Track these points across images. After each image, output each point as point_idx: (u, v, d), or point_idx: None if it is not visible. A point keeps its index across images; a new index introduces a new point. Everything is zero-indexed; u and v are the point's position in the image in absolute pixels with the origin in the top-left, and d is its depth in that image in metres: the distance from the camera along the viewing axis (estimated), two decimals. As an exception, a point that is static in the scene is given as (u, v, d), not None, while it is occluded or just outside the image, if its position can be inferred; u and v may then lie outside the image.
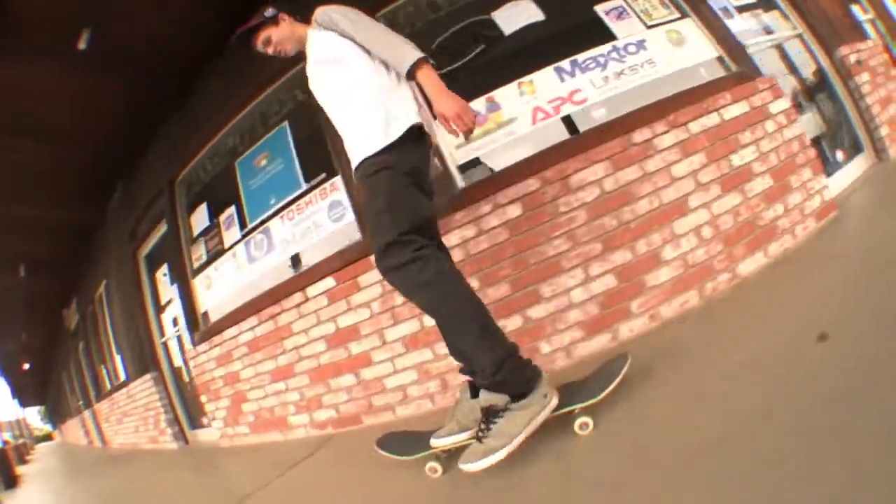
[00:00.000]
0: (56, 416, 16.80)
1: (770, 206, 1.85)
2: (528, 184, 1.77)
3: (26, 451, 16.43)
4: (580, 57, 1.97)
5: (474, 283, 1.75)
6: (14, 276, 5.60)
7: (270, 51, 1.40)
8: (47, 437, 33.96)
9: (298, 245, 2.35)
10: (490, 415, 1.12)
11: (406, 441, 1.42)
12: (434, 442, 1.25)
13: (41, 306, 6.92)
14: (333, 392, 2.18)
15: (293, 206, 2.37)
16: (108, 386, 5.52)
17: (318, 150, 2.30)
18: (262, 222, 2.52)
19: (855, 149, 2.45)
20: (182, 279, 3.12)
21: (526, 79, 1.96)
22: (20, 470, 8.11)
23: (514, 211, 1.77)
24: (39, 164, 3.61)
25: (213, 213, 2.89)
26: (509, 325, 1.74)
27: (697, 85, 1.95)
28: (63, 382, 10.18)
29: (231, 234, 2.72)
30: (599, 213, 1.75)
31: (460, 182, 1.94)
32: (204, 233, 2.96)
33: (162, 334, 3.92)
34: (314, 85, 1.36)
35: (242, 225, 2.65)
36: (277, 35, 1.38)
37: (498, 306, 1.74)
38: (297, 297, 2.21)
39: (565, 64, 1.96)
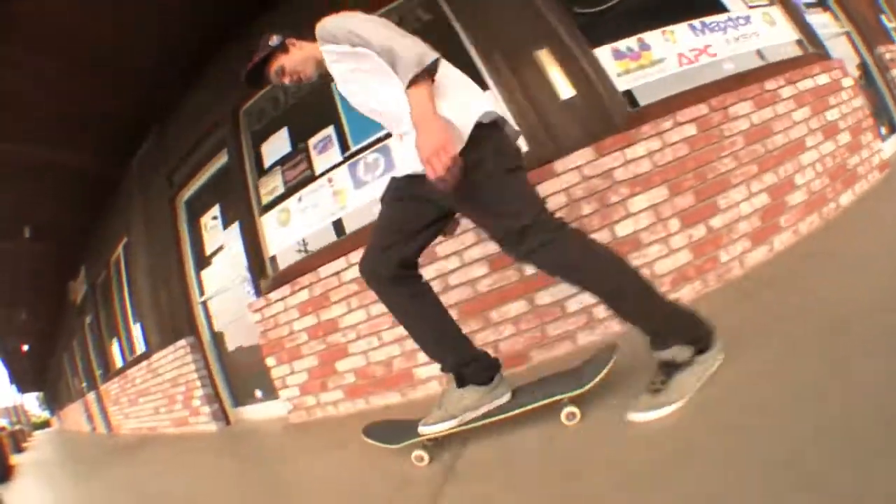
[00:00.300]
0: (55, 402, 16.01)
1: (851, 155, 2.29)
2: (699, 108, 1.95)
3: (23, 437, 15.56)
4: (706, 20, 2.29)
5: (663, 191, 1.85)
6: (17, 240, 4.86)
7: (287, 80, 1.30)
8: (45, 424, 32.66)
9: None
10: (670, 368, 1.07)
11: (392, 429, 1.43)
12: (422, 429, 1.24)
13: (45, 277, 6.19)
14: (494, 326, 1.89)
15: None
16: (121, 363, 4.89)
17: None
18: (373, 143, 2.32)
19: (892, 127, 3.02)
20: (246, 218, 2.69)
21: (668, 28, 2.21)
22: (15, 459, 7.11)
23: (690, 130, 1.92)
24: (63, 92, 2.98)
25: (297, 139, 2.57)
26: (695, 233, 1.85)
27: (800, 55, 2.39)
28: (64, 365, 9.44)
29: (325, 158, 2.45)
30: (751, 140, 2.00)
31: (627, 106, 2.06)
32: (281, 161, 2.62)
33: (201, 293, 3.32)
34: (356, 102, 1.25)
35: (344, 148, 2.41)
36: (290, 63, 1.29)
37: (686, 215, 1.85)
38: None
39: (696, 23, 2.26)
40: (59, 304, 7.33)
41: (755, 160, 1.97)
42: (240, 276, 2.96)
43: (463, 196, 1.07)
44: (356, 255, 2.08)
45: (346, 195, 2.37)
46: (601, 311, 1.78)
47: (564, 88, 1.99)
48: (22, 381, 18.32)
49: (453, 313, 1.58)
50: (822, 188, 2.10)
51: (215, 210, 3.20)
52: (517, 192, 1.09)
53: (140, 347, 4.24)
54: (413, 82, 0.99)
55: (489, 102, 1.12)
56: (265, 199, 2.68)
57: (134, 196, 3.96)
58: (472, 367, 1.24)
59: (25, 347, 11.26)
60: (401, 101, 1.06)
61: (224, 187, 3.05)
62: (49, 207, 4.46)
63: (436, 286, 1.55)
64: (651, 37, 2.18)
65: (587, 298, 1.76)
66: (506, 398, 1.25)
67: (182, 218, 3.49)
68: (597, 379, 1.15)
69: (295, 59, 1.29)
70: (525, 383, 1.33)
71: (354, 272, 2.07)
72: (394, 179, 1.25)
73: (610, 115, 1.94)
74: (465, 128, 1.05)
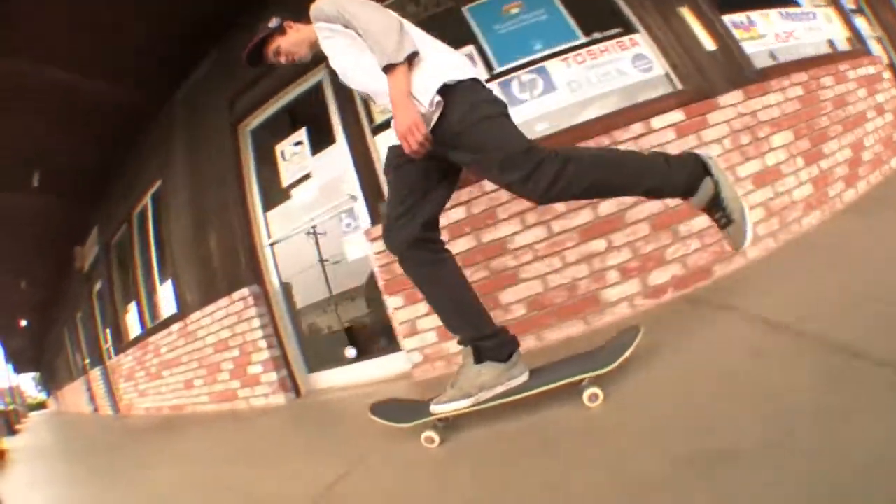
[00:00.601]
0: (52, 382, 15.24)
1: (894, 131, 2.73)
2: (802, 75, 2.36)
3: (17, 419, 14.47)
4: (789, 10, 2.76)
5: (790, 135, 2.19)
6: (24, 190, 4.23)
7: (283, 60, 1.39)
8: (41, 406, 31.90)
9: (594, 88, 2.19)
10: (715, 203, 1.15)
11: (402, 408, 1.38)
12: (434, 408, 1.21)
13: (51, 240, 5.60)
14: (681, 240, 1.90)
15: (578, 52, 2.24)
16: (138, 331, 4.29)
17: (597, 4, 2.38)
18: (526, 65, 2.26)
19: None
20: (356, 137, 2.39)
21: (763, 11, 2.62)
22: (6, 443, 6.02)
23: (799, 91, 2.31)
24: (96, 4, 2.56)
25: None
26: (813, 171, 2.17)
27: (852, 49, 2.88)
28: (64, 340, 8.72)
29: None
30: (837, 105, 2.42)
31: (757, 63, 2.37)
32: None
33: (269, 234, 2.85)
34: (346, 77, 1.30)
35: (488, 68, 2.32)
36: (286, 44, 1.36)
37: (806, 156, 2.19)
38: (638, 127, 1.97)
39: (783, 11, 2.71)
40: (63, 273, 6.67)
41: (840, 121, 2.39)
42: (337, 207, 2.56)
43: (457, 149, 1.14)
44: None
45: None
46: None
47: (707, 42, 2.29)
48: (18, 360, 17.63)
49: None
50: (881, 151, 2.56)
51: (299, 135, 2.76)
52: (507, 135, 1.12)
53: (167, 310, 3.70)
54: (390, 68, 1.09)
55: (460, 65, 1.18)
56: (378, 119, 2.43)
57: (176, 131, 3.47)
58: (490, 342, 1.21)
59: (24, 323, 10.51)
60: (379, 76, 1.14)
61: (309, 111, 2.75)
62: (64, 148, 3.82)
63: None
64: (754, 15, 2.60)
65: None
66: (524, 377, 1.21)
67: (247, 147, 2.99)
68: (621, 359, 1.12)
69: (290, 40, 1.36)
70: (544, 364, 1.28)
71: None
72: (392, 148, 1.27)
73: (743, 69, 2.28)
74: (429, 91, 1.11)
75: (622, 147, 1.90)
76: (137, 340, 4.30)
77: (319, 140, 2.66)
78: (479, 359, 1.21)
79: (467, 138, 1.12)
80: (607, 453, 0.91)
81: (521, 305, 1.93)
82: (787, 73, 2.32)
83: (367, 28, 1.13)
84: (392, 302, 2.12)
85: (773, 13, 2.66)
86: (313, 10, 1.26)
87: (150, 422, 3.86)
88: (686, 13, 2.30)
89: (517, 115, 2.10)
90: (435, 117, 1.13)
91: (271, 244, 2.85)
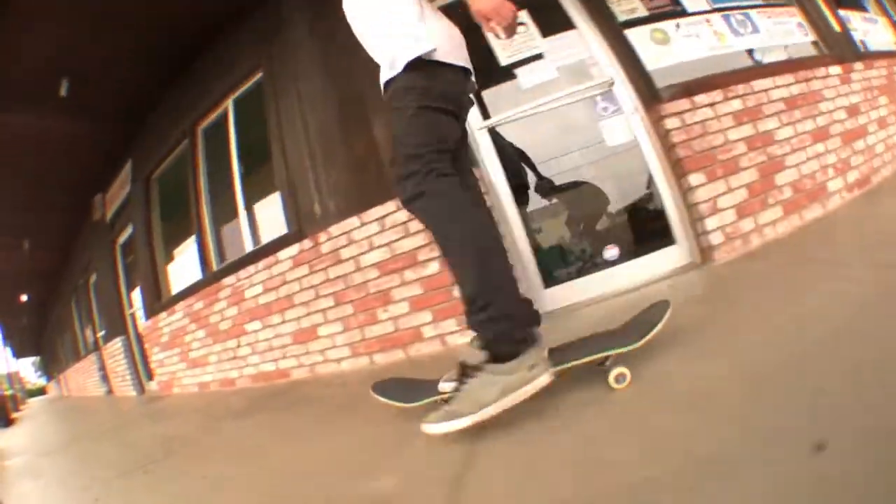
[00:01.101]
0: (54, 365, 14.03)
1: None
2: (883, 62, 3.02)
3: (15, 405, 13.41)
4: (864, 15, 3.36)
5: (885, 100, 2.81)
6: (48, 103, 3.24)
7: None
8: (41, 392, 29.90)
9: (777, 39, 2.66)
10: (463, 375, 1.01)
11: (407, 387, 1.32)
12: (443, 386, 1.13)
13: (65, 182, 4.60)
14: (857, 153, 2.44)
15: (767, 9, 2.71)
16: (198, 277, 3.42)
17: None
18: (736, 9, 2.63)
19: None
20: (607, 26, 2.35)
21: (850, 13, 3.17)
22: None
23: (884, 72, 3.00)
24: None
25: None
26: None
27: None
28: (71, 314, 8.03)
29: (696, 3, 2.55)
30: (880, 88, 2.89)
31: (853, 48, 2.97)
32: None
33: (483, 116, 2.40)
34: (350, 18, 1.25)
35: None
36: None
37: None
38: (831, 70, 2.60)
39: (865, 15, 3.37)
40: (74, 231, 5.93)
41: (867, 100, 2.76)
42: (586, 91, 2.32)
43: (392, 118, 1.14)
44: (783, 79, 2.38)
45: (726, 38, 2.52)
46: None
47: (834, 25, 2.88)
48: (18, 342, 16.37)
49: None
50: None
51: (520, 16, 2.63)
52: (420, 130, 1.07)
53: (257, 240, 3.05)
54: None
55: (446, 44, 1.13)
56: (622, 17, 2.38)
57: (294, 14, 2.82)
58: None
59: (24, 297, 9.45)
60: (377, 35, 1.16)
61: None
62: (103, 45, 2.97)
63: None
64: (846, 14, 3.12)
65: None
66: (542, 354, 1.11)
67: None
68: (649, 336, 1.05)
69: None
70: (564, 342, 1.19)
71: (781, 92, 2.35)
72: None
73: (845, 50, 2.82)
74: (401, 59, 1.08)
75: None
76: (194, 291, 3.40)
77: (549, 24, 2.46)
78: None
79: (394, 117, 1.12)
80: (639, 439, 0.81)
81: (788, 188, 2.23)
82: (879, 58, 3.01)
83: None
84: (694, 179, 2.06)
85: (856, 15, 3.26)
86: None
87: (208, 399, 2.91)
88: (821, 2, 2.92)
89: (742, 44, 2.55)
90: (389, 75, 1.12)
91: (487, 128, 2.36)
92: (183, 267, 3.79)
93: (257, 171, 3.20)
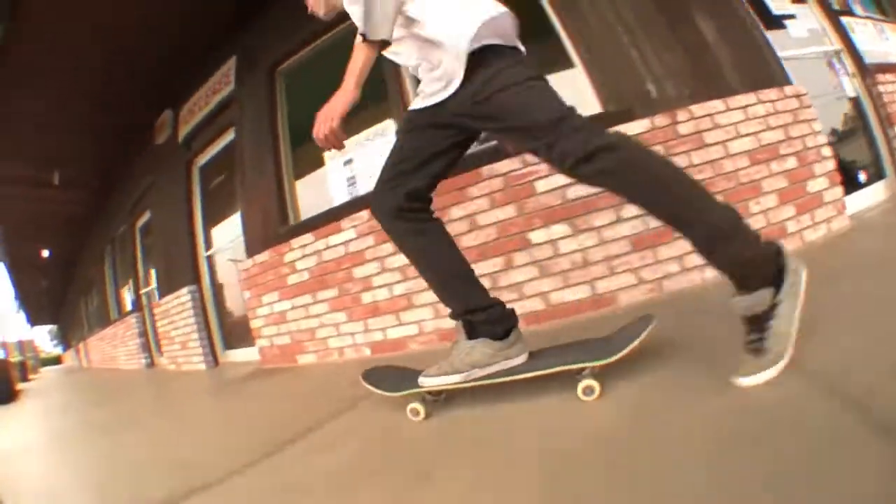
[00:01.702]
0: (73, 332, 12.51)
1: None
2: None
3: (24, 374, 12.24)
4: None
5: None
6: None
7: (310, 10, 1.35)
8: (56, 361, 27.85)
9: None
10: (759, 321, 0.94)
11: (394, 376, 1.36)
12: (423, 381, 1.19)
13: (121, 91, 3.68)
14: None
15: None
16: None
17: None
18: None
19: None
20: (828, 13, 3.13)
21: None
22: None
23: None
24: None
25: None
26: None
27: None
28: (103, 271, 6.92)
29: None
30: None
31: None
32: None
33: None
34: None
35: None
36: None
37: None
38: None
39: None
40: (119, 162, 4.94)
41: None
42: None
43: (486, 115, 1.08)
44: None
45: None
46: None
47: None
48: (34, 308, 14.74)
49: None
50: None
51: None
52: (542, 104, 1.05)
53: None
54: (364, 38, 1.03)
55: (489, 21, 1.09)
56: (835, 6, 3.16)
57: None
58: (481, 315, 1.17)
59: (45, 252, 8.19)
60: (407, 42, 1.13)
61: None
62: None
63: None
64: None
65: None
66: (521, 359, 1.16)
67: None
68: (626, 350, 1.04)
69: None
70: (547, 346, 1.23)
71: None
72: (408, 112, 1.23)
73: None
74: (461, 50, 1.05)
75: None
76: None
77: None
78: (471, 334, 1.18)
79: (491, 106, 1.07)
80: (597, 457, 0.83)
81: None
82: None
83: None
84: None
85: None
86: None
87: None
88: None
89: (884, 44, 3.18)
90: (457, 82, 1.07)
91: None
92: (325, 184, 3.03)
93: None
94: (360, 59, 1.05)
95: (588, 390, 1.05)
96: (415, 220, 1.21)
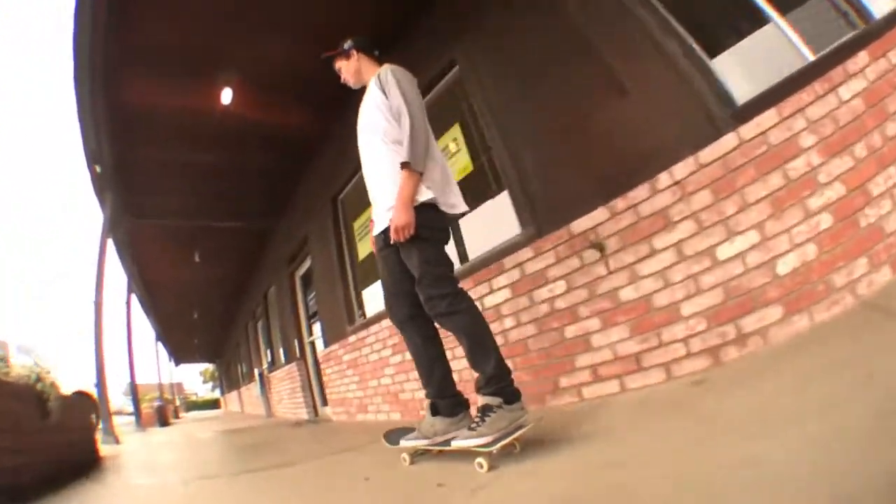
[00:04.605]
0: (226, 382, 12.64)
1: None
2: None
3: (165, 416, 9.78)
4: None
5: None
6: None
7: (342, 78, 1.71)
8: (213, 404, 25.42)
9: None
10: (485, 410, 1.36)
11: (397, 434, 1.71)
12: (402, 442, 1.61)
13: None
14: None
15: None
16: None
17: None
18: None
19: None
20: None
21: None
22: None
23: None
24: None
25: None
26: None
27: None
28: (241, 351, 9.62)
29: None
30: None
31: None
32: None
33: None
34: (359, 129, 1.64)
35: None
36: (346, 68, 1.68)
37: None
38: None
39: None
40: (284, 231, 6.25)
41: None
42: None
43: (408, 251, 1.47)
44: None
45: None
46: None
47: None
48: (178, 346, 14.75)
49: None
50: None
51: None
52: (444, 258, 1.49)
53: None
54: (409, 167, 1.39)
55: (445, 192, 1.52)
56: None
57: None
58: (445, 402, 1.58)
59: (196, 314, 9.96)
60: (385, 174, 1.48)
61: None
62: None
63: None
64: None
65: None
66: (464, 433, 1.42)
67: None
68: (499, 445, 1.29)
69: (350, 68, 1.69)
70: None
71: None
72: (377, 237, 1.64)
73: None
74: (422, 198, 1.43)
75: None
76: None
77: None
78: (433, 412, 1.58)
79: (415, 249, 1.45)
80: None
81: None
82: None
83: (413, 117, 1.42)
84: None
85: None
86: (383, 71, 1.54)
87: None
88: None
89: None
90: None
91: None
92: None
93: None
94: (409, 185, 1.40)
95: (479, 465, 1.32)
96: (425, 326, 1.61)
